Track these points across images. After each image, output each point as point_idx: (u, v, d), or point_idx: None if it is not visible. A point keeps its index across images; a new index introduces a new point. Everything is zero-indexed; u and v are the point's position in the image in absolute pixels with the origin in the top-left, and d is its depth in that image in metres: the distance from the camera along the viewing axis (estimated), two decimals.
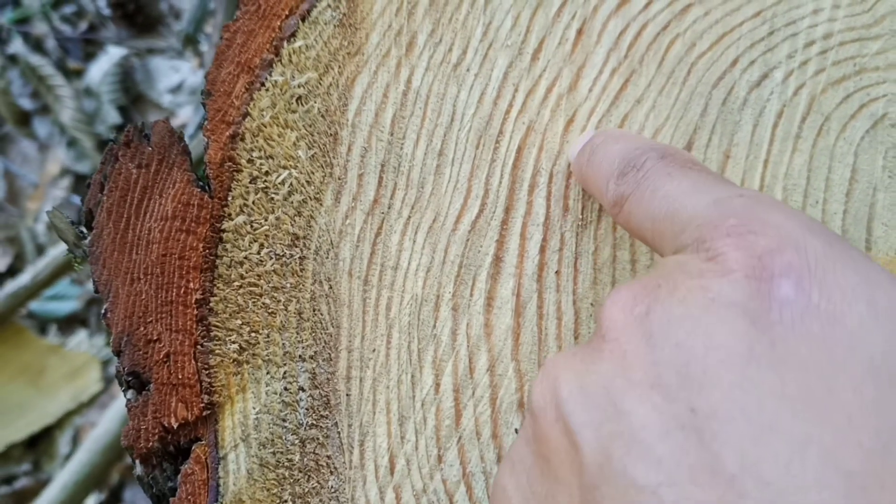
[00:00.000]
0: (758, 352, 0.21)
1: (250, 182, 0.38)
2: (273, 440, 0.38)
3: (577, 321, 0.38)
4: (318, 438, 0.38)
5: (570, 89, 0.38)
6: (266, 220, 0.38)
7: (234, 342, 0.38)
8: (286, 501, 0.38)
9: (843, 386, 0.20)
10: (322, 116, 0.38)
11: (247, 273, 0.38)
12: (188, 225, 0.38)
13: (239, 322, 0.38)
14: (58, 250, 1.30)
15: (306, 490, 0.38)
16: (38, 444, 1.51)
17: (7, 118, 1.73)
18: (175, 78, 1.70)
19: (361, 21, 0.38)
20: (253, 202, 0.38)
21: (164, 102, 1.70)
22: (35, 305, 1.58)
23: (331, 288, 0.38)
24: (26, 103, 1.73)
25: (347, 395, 0.38)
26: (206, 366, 0.38)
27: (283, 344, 0.38)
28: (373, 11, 0.38)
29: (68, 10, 1.78)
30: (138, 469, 0.38)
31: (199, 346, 0.38)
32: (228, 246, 0.38)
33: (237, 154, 0.38)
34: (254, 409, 0.38)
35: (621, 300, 0.25)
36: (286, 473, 0.38)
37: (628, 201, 0.30)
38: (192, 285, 0.38)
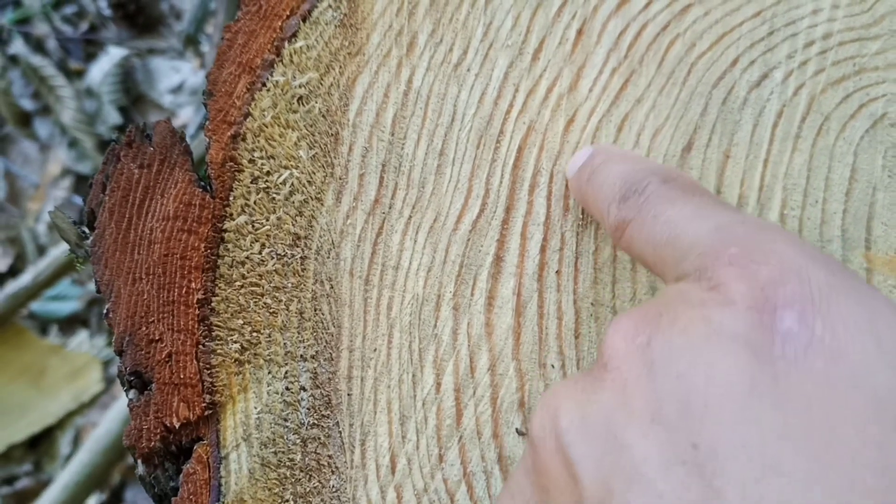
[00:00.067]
0: (760, 386, 0.21)
1: (252, 182, 0.38)
2: (275, 440, 0.38)
3: (577, 321, 0.38)
4: (319, 438, 0.38)
5: (571, 89, 0.38)
6: (267, 220, 0.38)
7: (235, 342, 0.38)
8: (288, 501, 0.38)
9: (847, 423, 0.20)
10: (323, 116, 0.38)
11: (248, 273, 0.38)
12: (190, 225, 0.38)
13: (240, 322, 0.38)
14: (58, 251, 1.30)
15: (308, 489, 0.38)
16: (40, 445, 1.51)
17: (8, 119, 1.74)
18: (176, 78, 1.70)
19: (362, 21, 0.38)
20: (254, 202, 0.38)
21: (165, 103, 1.70)
22: (36, 306, 1.58)
23: (332, 288, 0.38)
24: (27, 104, 1.73)
25: (349, 394, 0.38)
26: (207, 365, 0.38)
27: (285, 344, 0.38)
28: (373, 12, 0.38)
29: (69, 10, 1.78)
30: (140, 469, 0.38)
31: (200, 346, 0.38)
32: (230, 246, 0.38)
33: (238, 154, 0.38)
34: (255, 408, 0.38)
35: (623, 329, 0.25)
36: (288, 473, 0.38)
37: (630, 226, 0.30)
38: (193, 285, 0.38)
